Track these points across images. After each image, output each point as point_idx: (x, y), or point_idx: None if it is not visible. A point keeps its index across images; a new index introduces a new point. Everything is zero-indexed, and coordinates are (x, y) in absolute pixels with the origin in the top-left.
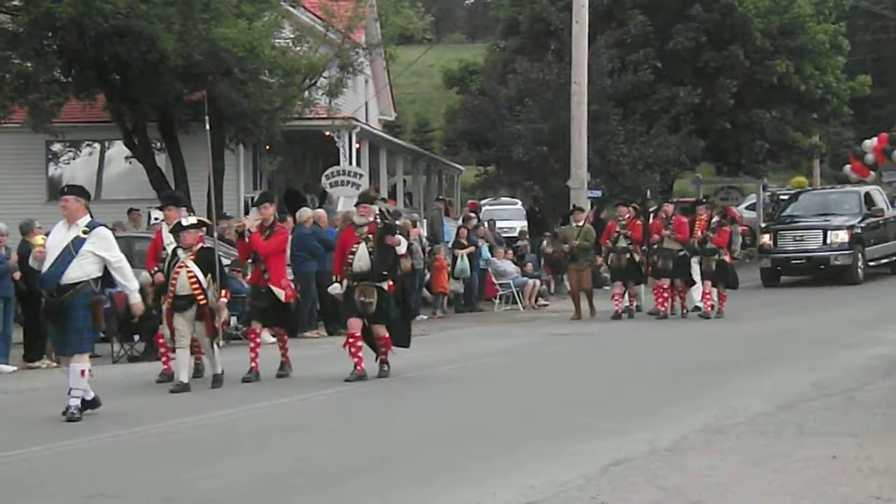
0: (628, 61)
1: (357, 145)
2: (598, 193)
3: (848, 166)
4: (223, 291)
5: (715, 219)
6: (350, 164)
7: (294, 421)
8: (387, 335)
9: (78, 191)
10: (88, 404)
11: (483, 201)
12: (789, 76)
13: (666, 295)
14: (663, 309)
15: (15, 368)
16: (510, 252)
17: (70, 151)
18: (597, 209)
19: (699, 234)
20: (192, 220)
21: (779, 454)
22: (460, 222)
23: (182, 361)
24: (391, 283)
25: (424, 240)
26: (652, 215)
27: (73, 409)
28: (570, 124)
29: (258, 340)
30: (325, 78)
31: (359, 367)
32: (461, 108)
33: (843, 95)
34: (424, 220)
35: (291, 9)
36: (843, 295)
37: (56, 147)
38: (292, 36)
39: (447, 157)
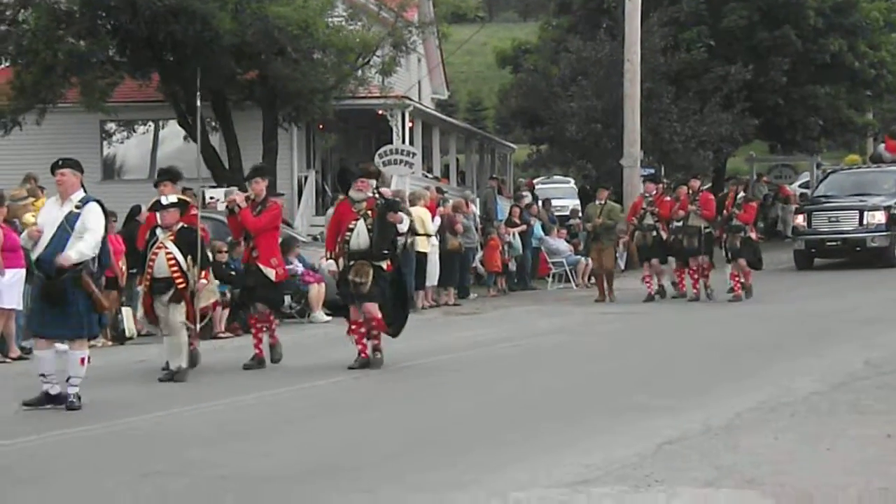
0: (681, 39)
1: (410, 124)
2: (651, 171)
3: (882, 145)
4: (203, 272)
5: (741, 195)
6: (403, 142)
7: (342, 401)
8: (379, 315)
9: (73, 164)
10: (52, 399)
11: (536, 180)
12: (843, 54)
13: (696, 277)
14: (695, 291)
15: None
16: (563, 230)
17: (124, 131)
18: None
19: (726, 211)
20: (173, 198)
21: (833, 433)
22: (513, 201)
23: (177, 345)
24: (389, 262)
25: (478, 218)
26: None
27: (72, 398)
28: (622, 102)
29: (259, 326)
30: (378, 56)
31: (364, 354)
32: (514, 87)
33: None
34: (478, 199)
35: None
36: (883, 277)
37: (110, 126)
38: (345, 14)
39: (500, 136)
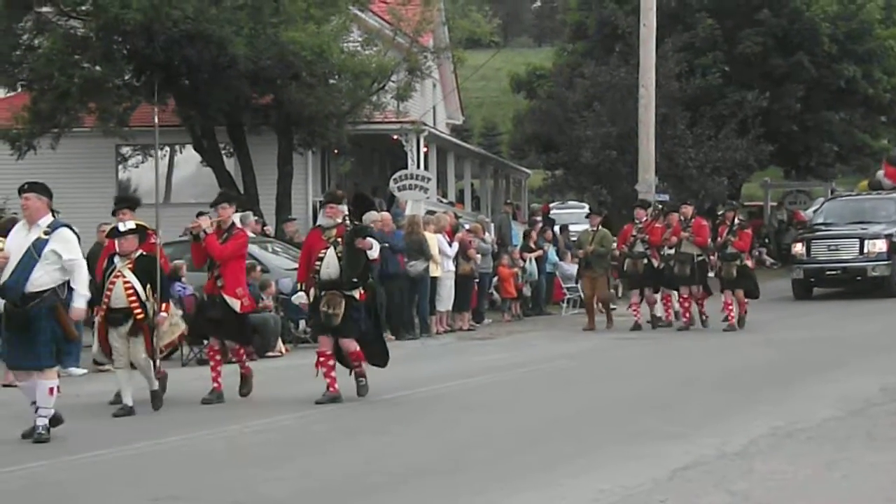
0: (696, 65)
1: (425, 149)
2: (665, 197)
3: (881, 172)
4: (164, 305)
5: (736, 221)
6: (418, 167)
7: (355, 426)
8: (357, 348)
9: (40, 188)
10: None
11: (551, 205)
12: (857, 80)
13: (687, 305)
14: (685, 319)
15: (85, 371)
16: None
17: (139, 155)
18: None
19: (720, 238)
20: (131, 224)
21: (848, 459)
22: (527, 226)
23: (125, 381)
24: (363, 291)
25: (493, 244)
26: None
27: (40, 430)
28: (637, 128)
29: (218, 358)
30: (393, 82)
31: (332, 388)
32: (529, 112)
33: None
34: (492, 224)
35: (359, 13)
36: (891, 306)
37: (125, 150)
38: (361, 39)
39: (515, 161)
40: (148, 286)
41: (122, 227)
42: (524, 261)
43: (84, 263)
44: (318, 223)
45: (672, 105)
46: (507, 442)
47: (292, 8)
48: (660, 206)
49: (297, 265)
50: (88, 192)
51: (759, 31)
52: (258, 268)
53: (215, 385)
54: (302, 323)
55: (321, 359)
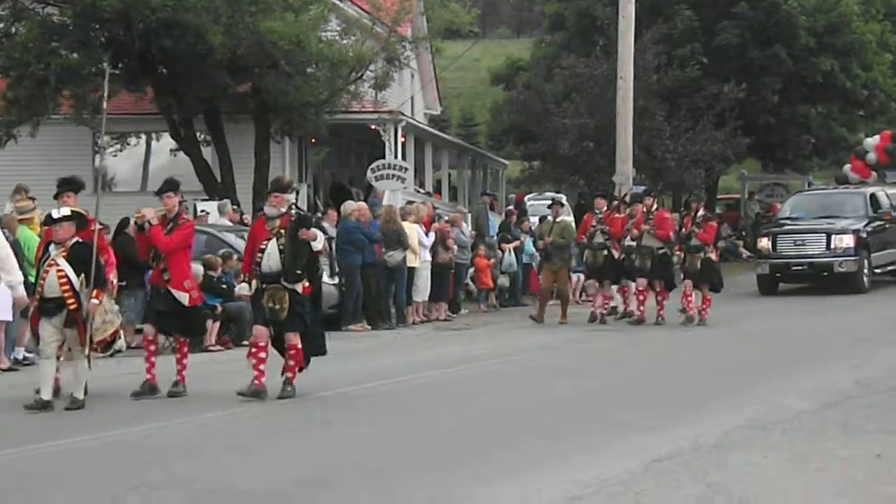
0: (674, 56)
1: (402, 139)
2: (642, 189)
3: (848, 166)
4: (95, 292)
5: (700, 212)
6: (395, 157)
7: (332, 415)
8: (298, 344)
9: None
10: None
11: (528, 196)
12: (835, 74)
13: (642, 298)
14: (639, 312)
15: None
16: None
17: (116, 143)
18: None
19: (684, 230)
20: (66, 211)
21: (823, 452)
22: (503, 217)
23: (46, 374)
24: (307, 284)
25: (469, 234)
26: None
27: None
28: (615, 120)
29: (152, 349)
30: (371, 71)
31: (257, 382)
32: (507, 103)
33: (891, 92)
34: (469, 215)
35: (338, 2)
36: (856, 301)
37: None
38: (339, 29)
39: (492, 152)
40: (82, 275)
41: (56, 214)
42: (502, 251)
43: (9, 252)
44: (263, 212)
45: (650, 97)
46: (482, 433)
47: None
48: (621, 196)
49: None
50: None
51: (736, 23)
52: (234, 256)
53: (148, 377)
54: None
55: (253, 349)
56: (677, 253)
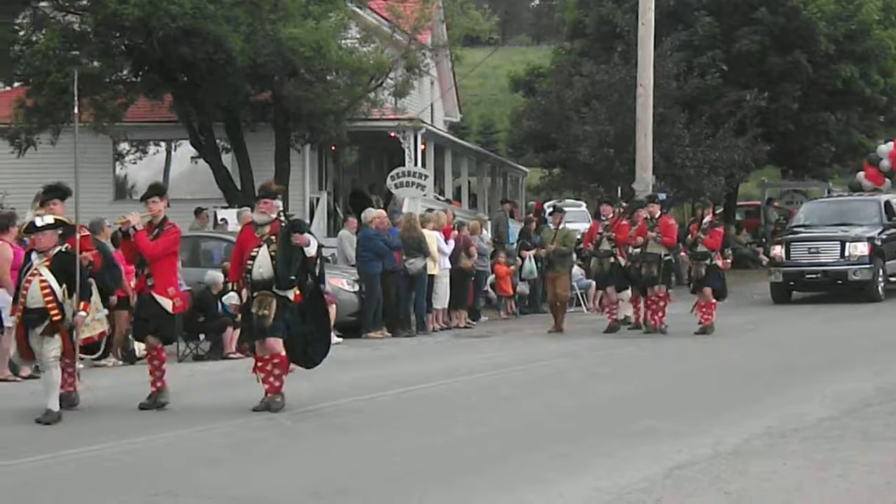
0: (695, 64)
1: (422, 146)
2: (663, 196)
3: (861, 173)
4: (82, 304)
5: (706, 219)
6: (415, 165)
7: (350, 423)
8: (282, 351)
9: None
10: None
11: (547, 203)
12: (854, 81)
13: (654, 308)
14: (653, 322)
15: (81, 366)
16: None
17: (136, 151)
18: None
19: (690, 236)
20: (49, 219)
21: (843, 459)
22: (523, 224)
23: (53, 383)
24: (297, 292)
25: (489, 242)
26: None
27: None
28: (635, 127)
29: (156, 363)
30: (391, 79)
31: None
32: (527, 110)
33: None
34: (489, 222)
35: (358, 10)
36: (871, 310)
37: (123, 147)
38: (359, 36)
39: (512, 159)
40: (65, 285)
41: (38, 222)
42: (522, 259)
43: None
44: (252, 219)
45: (670, 104)
46: (504, 440)
47: (291, 5)
48: (625, 204)
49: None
50: (86, 186)
51: (756, 29)
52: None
53: (153, 389)
54: None
55: (259, 364)
56: (683, 259)
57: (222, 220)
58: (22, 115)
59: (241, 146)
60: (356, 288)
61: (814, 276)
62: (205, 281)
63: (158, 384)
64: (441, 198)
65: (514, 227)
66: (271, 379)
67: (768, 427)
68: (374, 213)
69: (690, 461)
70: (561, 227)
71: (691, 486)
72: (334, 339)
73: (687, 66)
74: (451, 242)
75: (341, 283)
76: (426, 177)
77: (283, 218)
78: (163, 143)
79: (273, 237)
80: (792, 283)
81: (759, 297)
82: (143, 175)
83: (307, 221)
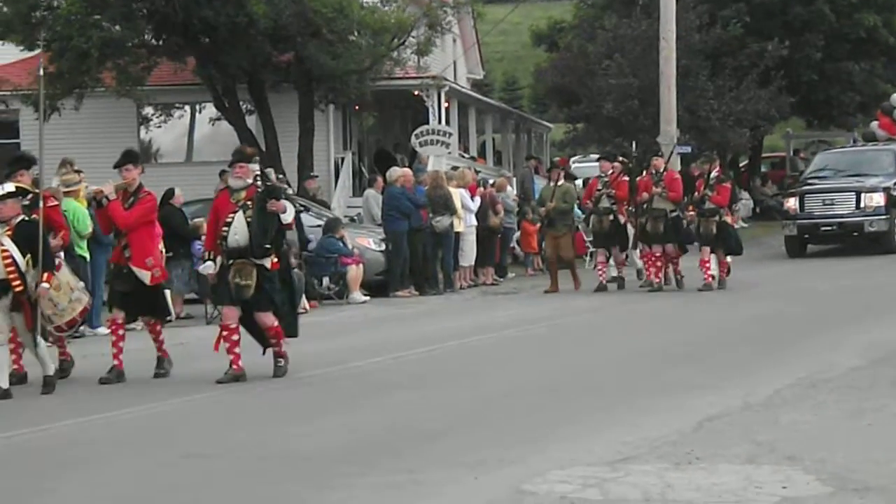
0: (718, 16)
1: (446, 104)
2: (687, 149)
3: (875, 123)
4: (45, 275)
5: (713, 174)
6: (439, 123)
7: (385, 380)
8: (275, 323)
9: None
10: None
11: (572, 159)
12: (878, 30)
13: (659, 264)
14: (657, 280)
15: (109, 331)
16: None
17: (161, 115)
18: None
19: (697, 193)
20: (10, 187)
21: (873, 408)
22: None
23: (2, 361)
24: (275, 259)
25: (515, 198)
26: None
27: None
28: (659, 80)
29: (120, 333)
30: (413, 37)
31: (235, 366)
32: (550, 65)
33: None
34: (514, 179)
35: None
36: (888, 262)
37: (147, 111)
38: None
39: (536, 115)
40: (28, 255)
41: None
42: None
43: None
44: (227, 184)
45: (693, 57)
46: (532, 396)
47: None
48: (623, 160)
49: (319, 222)
50: (110, 151)
51: None
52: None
53: (115, 363)
54: (325, 280)
55: (224, 333)
56: (689, 214)
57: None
58: (44, 81)
59: (265, 108)
60: (383, 247)
61: (829, 228)
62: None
63: (160, 353)
64: (465, 155)
65: (540, 184)
66: (237, 350)
67: (798, 378)
68: (398, 172)
69: (721, 413)
70: (560, 183)
71: (722, 438)
72: (361, 298)
73: (710, 17)
74: (477, 199)
75: (368, 243)
76: (450, 134)
77: (259, 183)
78: (187, 107)
79: (249, 203)
80: (806, 235)
81: (783, 248)
82: (167, 138)
83: (285, 188)
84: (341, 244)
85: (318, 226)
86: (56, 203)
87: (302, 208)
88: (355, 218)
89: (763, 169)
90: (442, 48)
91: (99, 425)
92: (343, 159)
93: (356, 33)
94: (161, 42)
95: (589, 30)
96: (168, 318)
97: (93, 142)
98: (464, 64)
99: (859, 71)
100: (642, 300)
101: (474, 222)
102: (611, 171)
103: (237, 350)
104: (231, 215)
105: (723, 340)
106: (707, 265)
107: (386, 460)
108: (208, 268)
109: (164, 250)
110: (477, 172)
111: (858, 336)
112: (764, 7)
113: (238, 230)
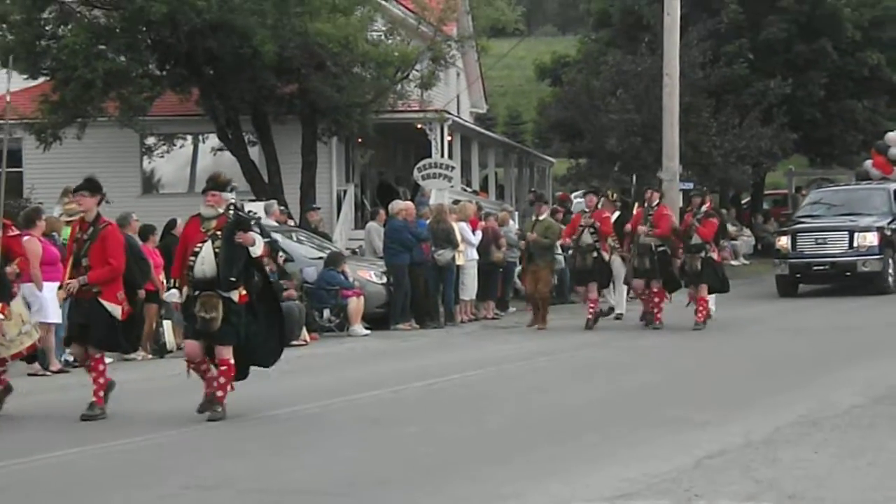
0: (721, 53)
1: (449, 138)
2: (689, 186)
3: (869, 161)
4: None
5: (703, 208)
6: (442, 156)
7: (381, 414)
8: (230, 360)
9: None
10: None
11: (574, 193)
12: (881, 68)
13: (645, 299)
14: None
15: (111, 360)
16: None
17: (164, 145)
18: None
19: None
20: None
21: (874, 447)
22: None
23: None
24: (243, 293)
25: (517, 232)
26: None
27: None
28: (662, 116)
29: (101, 368)
30: (417, 71)
31: (208, 391)
32: (554, 99)
33: None
34: (517, 213)
35: (383, 2)
36: (880, 302)
37: (150, 141)
38: (384, 29)
39: (539, 150)
40: None
41: None
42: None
43: None
44: (198, 212)
45: (696, 93)
46: (531, 431)
47: (318, 1)
48: (612, 196)
49: (321, 254)
50: (114, 180)
51: (782, 17)
52: (279, 254)
53: (94, 399)
54: (326, 312)
55: (192, 365)
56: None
57: (250, 212)
58: (46, 110)
59: (268, 139)
60: (384, 280)
61: (821, 267)
62: None
63: (94, 399)
64: (468, 189)
65: None
66: (215, 385)
67: (799, 416)
68: (400, 205)
69: (721, 450)
70: (542, 217)
71: (722, 476)
72: (362, 331)
73: (713, 55)
74: (479, 233)
75: (369, 276)
76: (453, 168)
77: (231, 213)
78: (189, 137)
79: (219, 233)
80: (798, 275)
81: (761, 290)
82: (170, 169)
83: (257, 217)
84: (343, 277)
85: (320, 258)
86: (17, 233)
87: (276, 239)
88: (357, 250)
89: (765, 206)
90: (445, 82)
91: (96, 455)
92: (345, 191)
93: (360, 66)
94: (165, 72)
95: (593, 65)
96: (127, 351)
97: (95, 171)
98: (467, 97)
99: (862, 109)
100: (642, 336)
101: (475, 256)
102: (595, 207)
103: (209, 376)
104: (200, 245)
105: (722, 377)
106: (702, 302)
107: (384, 494)
108: (172, 296)
109: (164, 280)
110: (480, 207)
111: (857, 373)
112: (767, 44)
113: (206, 260)
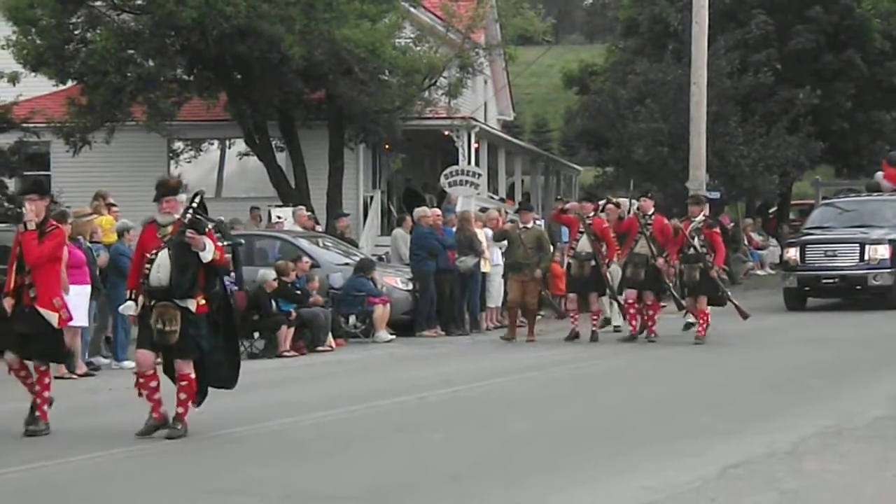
0: (749, 62)
1: (476, 145)
2: (716, 195)
3: (880, 173)
4: None
5: (699, 217)
6: (469, 163)
7: (405, 422)
8: (191, 374)
9: None
10: None
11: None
12: None
13: (633, 311)
14: (632, 328)
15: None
16: None
17: (191, 149)
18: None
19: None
20: None
21: None
22: None
23: None
24: (202, 302)
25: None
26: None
27: None
28: (689, 125)
29: (23, 374)
30: (444, 78)
31: (155, 413)
32: (581, 108)
33: None
34: (542, 221)
35: (412, 9)
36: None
37: (177, 145)
38: (413, 36)
39: (565, 158)
40: None
41: None
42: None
43: None
44: (153, 218)
45: (724, 102)
46: (554, 439)
47: (346, 7)
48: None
49: (347, 260)
50: (141, 185)
51: (810, 27)
52: (304, 258)
53: (39, 414)
54: (352, 318)
55: (141, 380)
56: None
57: (277, 217)
58: (75, 113)
59: (295, 145)
60: (410, 286)
61: (830, 280)
62: (257, 279)
63: (37, 413)
64: (494, 197)
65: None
66: (157, 396)
67: (823, 426)
68: (427, 212)
69: (745, 460)
70: (531, 225)
71: (746, 486)
72: (387, 337)
73: (741, 64)
74: (505, 242)
75: (395, 282)
76: (480, 175)
77: (188, 215)
78: (216, 142)
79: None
80: (807, 288)
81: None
82: (197, 173)
83: (218, 220)
84: (371, 284)
85: (346, 264)
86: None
87: (241, 242)
88: (383, 257)
89: (792, 216)
90: (473, 89)
91: (118, 460)
92: (372, 198)
93: (388, 73)
94: (193, 77)
95: (620, 74)
96: (64, 361)
97: (122, 175)
98: (494, 105)
99: (890, 120)
100: (665, 346)
101: (501, 262)
102: (592, 214)
103: (156, 397)
104: (155, 252)
105: (744, 387)
106: (704, 315)
107: (408, 500)
108: (128, 308)
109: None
110: (506, 213)
111: (880, 385)
112: (795, 54)
113: (161, 267)
